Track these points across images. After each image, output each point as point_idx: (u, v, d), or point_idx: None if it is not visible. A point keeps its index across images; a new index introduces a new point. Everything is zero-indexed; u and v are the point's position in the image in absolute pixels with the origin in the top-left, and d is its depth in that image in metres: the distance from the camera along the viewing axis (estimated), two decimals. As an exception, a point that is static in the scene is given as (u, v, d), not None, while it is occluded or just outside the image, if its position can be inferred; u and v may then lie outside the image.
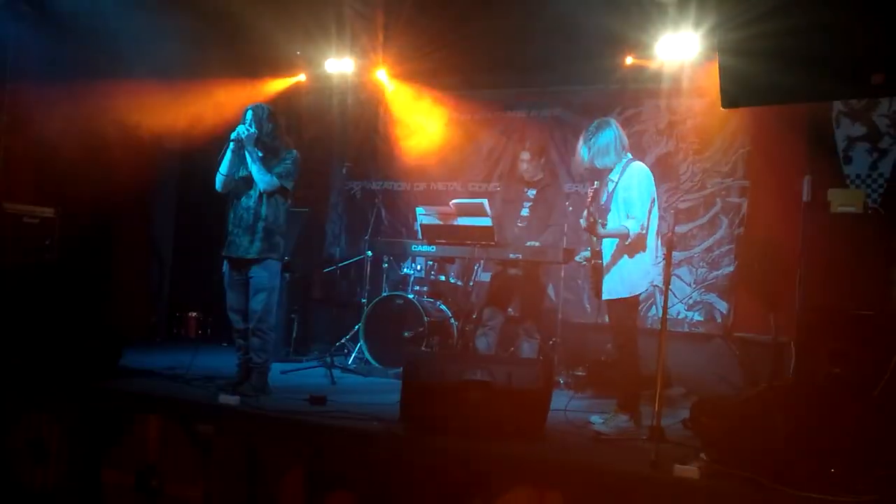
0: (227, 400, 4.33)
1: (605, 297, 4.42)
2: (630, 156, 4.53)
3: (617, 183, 4.42)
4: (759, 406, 3.32)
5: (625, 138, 4.51)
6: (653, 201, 4.40)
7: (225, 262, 4.98)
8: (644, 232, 4.31)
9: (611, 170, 4.48)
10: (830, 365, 4.86)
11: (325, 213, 8.11)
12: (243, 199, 4.92)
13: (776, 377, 5.82)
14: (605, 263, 4.42)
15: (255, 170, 4.84)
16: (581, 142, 4.53)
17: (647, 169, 4.46)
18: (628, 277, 4.35)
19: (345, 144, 8.16)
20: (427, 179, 7.77)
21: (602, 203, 4.48)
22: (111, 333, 5.32)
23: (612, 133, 4.44)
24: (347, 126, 8.11)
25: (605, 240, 4.41)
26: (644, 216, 4.30)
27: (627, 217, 4.31)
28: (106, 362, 5.04)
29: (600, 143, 4.43)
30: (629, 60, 6.64)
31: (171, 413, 4.32)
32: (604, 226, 4.32)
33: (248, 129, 4.84)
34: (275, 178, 4.86)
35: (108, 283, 7.39)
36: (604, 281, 4.42)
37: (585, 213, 4.33)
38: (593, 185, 4.45)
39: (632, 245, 4.32)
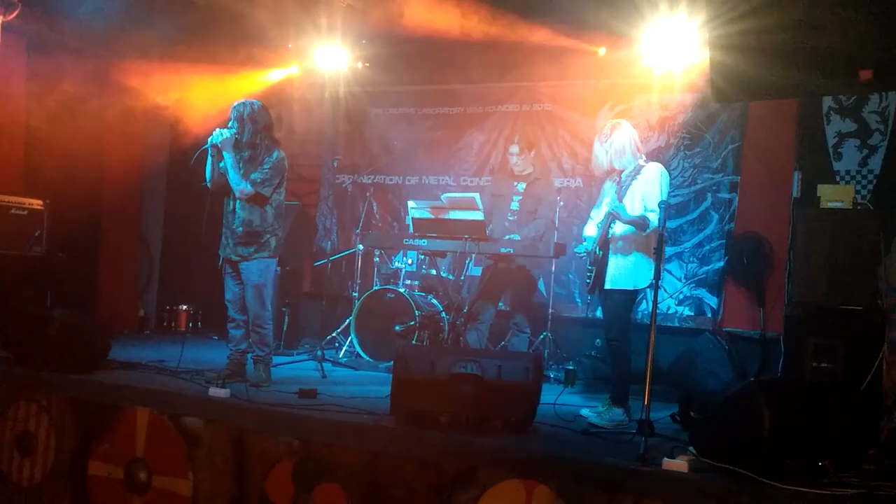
0: (217, 393, 4.31)
1: (607, 285, 4.43)
2: (644, 156, 4.57)
3: (632, 181, 4.44)
4: (747, 400, 3.33)
5: (638, 140, 4.56)
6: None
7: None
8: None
9: (623, 170, 4.53)
10: (818, 360, 4.90)
11: (315, 206, 8.09)
12: (228, 200, 4.90)
13: (765, 371, 5.86)
14: (613, 253, 4.43)
15: (230, 177, 4.75)
16: (597, 144, 4.58)
17: (666, 170, 4.49)
18: (636, 271, 4.38)
19: (336, 137, 8.14)
20: (419, 173, 7.76)
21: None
22: (100, 326, 5.30)
23: (626, 134, 4.50)
24: (338, 119, 8.09)
25: (615, 231, 4.42)
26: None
27: (647, 210, 4.33)
28: (94, 355, 5.01)
29: (617, 145, 4.49)
30: (619, 55, 6.64)
31: (160, 406, 4.30)
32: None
33: (222, 134, 4.72)
34: (248, 186, 4.75)
35: (97, 275, 7.35)
36: (608, 269, 4.43)
37: (613, 194, 4.40)
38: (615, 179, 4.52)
39: (646, 240, 4.36)
